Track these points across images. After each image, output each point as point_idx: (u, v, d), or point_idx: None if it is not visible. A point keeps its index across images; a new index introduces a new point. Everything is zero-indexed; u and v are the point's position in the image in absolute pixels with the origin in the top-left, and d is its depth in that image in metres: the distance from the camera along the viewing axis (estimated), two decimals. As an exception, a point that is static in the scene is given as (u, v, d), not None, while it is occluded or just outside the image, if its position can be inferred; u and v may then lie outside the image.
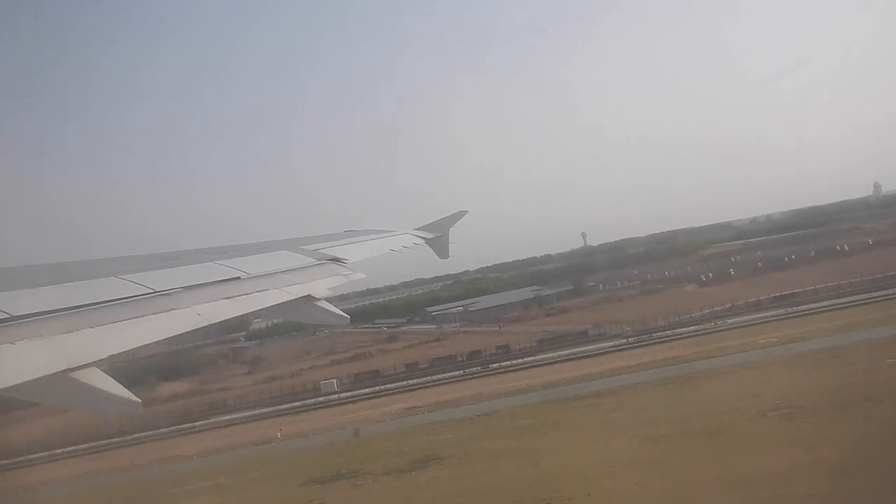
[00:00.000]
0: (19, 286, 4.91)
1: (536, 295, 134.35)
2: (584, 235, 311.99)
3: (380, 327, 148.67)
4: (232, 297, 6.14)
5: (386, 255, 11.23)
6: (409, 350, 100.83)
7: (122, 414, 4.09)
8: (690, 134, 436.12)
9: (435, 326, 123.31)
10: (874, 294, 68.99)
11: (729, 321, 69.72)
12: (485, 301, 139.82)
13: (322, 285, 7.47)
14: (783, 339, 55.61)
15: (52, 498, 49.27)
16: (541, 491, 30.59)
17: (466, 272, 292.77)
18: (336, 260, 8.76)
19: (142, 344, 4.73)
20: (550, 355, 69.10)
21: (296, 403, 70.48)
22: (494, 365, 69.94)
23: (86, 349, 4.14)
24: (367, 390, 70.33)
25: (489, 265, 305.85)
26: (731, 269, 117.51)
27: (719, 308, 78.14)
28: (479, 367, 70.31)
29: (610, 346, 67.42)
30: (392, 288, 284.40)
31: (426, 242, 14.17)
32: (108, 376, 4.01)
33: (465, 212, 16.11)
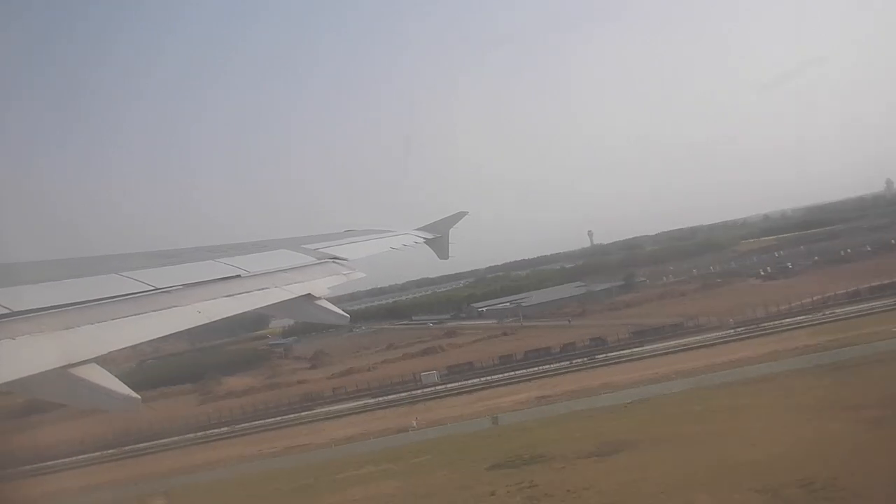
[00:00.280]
0: (20, 282, 4.94)
1: (588, 290, 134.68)
2: (590, 234, 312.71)
3: (424, 323, 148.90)
4: (232, 295, 6.20)
5: (388, 255, 11.45)
6: (480, 344, 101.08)
7: (121, 411, 4.14)
8: (690, 134, 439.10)
9: (495, 321, 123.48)
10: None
11: (837, 311, 70.07)
12: (535, 297, 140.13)
13: (322, 284, 7.52)
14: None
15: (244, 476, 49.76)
16: (783, 473, 30.55)
17: (475, 271, 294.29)
18: (336, 259, 8.82)
19: (142, 341, 4.76)
20: (658, 346, 69.36)
21: (402, 394, 70.58)
22: (600, 356, 70.16)
23: (86, 345, 4.17)
24: (470, 382, 70.49)
25: (498, 264, 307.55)
26: (789, 263, 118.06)
27: (808, 300, 78.35)
28: (585, 359, 70.48)
29: (718, 337, 67.67)
30: (403, 287, 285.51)
31: (426, 242, 14.36)
32: (107, 372, 4.04)
33: (465, 213, 16.29)
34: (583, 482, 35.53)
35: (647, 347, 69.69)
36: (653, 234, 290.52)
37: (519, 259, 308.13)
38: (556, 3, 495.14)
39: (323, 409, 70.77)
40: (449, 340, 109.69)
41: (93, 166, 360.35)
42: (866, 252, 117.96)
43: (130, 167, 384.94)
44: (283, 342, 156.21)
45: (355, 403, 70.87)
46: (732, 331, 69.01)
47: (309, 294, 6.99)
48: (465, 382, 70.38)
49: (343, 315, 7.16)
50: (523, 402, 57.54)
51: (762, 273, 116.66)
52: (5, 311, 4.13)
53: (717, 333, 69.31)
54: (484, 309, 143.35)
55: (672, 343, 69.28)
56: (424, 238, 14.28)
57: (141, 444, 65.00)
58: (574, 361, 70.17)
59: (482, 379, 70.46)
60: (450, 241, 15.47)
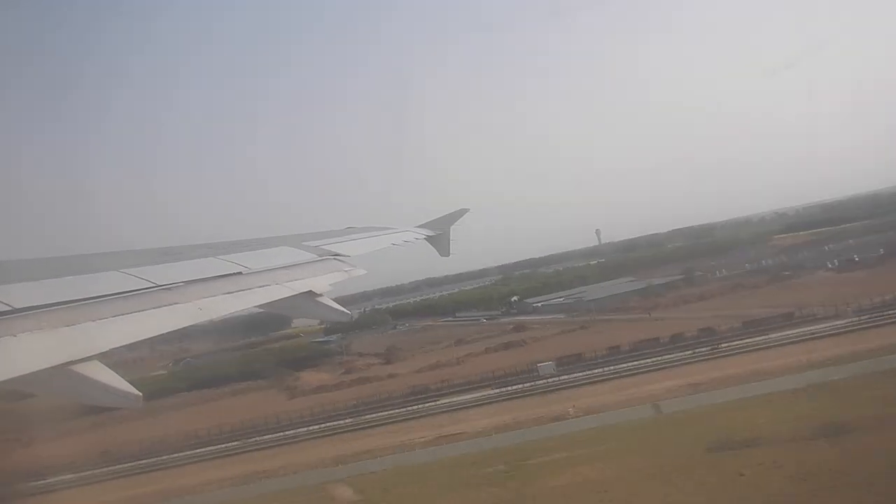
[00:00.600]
0: (21, 279, 4.97)
1: (648, 284, 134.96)
2: (598, 233, 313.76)
3: (478, 319, 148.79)
4: (233, 292, 6.26)
5: (396, 254, 11.69)
6: (561, 337, 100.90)
7: (122, 407, 4.32)
8: (689, 135, 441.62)
9: (561, 316, 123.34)
10: None
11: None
12: (589, 292, 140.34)
13: (323, 281, 7.58)
14: None
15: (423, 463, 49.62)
16: None
17: (485, 270, 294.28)
18: (337, 256, 8.89)
19: (143, 338, 4.81)
20: (779, 335, 69.35)
21: (525, 385, 70.41)
22: (724, 345, 70.20)
23: (87, 342, 4.22)
24: (592, 373, 70.36)
25: (510, 263, 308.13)
26: (855, 256, 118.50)
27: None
28: (708, 348, 70.52)
29: (846, 325, 67.61)
30: (415, 287, 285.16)
31: (427, 240, 14.49)
32: (108, 369, 4.07)
33: (467, 209, 16.38)
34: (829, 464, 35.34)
35: (772, 336, 69.64)
36: (664, 231, 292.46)
37: (527, 258, 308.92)
38: None
39: (444, 401, 70.35)
40: (521, 335, 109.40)
41: (93, 164, 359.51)
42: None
43: (131, 164, 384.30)
44: (327, 340, 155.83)
45: (474, 395, 70.53)
46: (857, 318, 69.10)
47: (310, 291, 7.02)
48: (590, 373, 70.23)
49: (345, 312, 7.21)
50: (674, 389, 57.38)
51: (830, 265, 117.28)
52: (6, 309, 4.14)
53: (842, 321, 69.27)
54: (539, 304, 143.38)
55: (795, 332, 69.26)
56: (425, 235, 14.39)
57: (289, 432, 65.57)
58: (697, 350, 70.18)
59: (604, 369, 70.37)
60: (454, 239, 15.54)
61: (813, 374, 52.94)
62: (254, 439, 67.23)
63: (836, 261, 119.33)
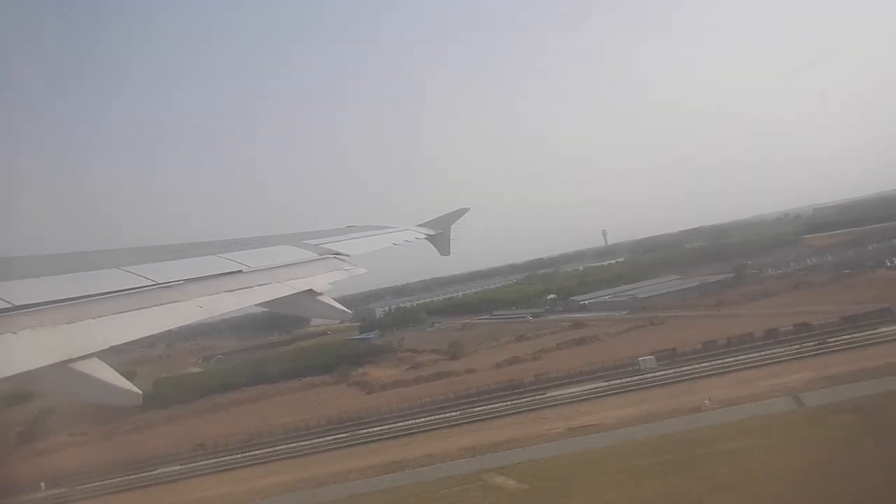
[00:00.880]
0: (22, 276, 4.97)
1: (701, 282, 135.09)
2: (604, 234, 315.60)
3: (524, 317, 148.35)
4: (234, 291, 6.28)
5: (391, 251, 11.55)
6: (632, 333, 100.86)
7: (122, 405, 4.18)
8: (691, 135, 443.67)
9: (615, 313, 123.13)
10: None
11: None
12: (643, 289, 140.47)
13: (323, 279, 7.60)
14: None
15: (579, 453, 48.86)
16: None
17: (495, 269, 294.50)
18: (337, 254, 8.91)
19: (143, 335, 4.80)
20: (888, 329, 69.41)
21: (632, 378, 70.14)
22: (832, 340, 70.08)
23: (87, 340, 4.21)
24: (697, 367, 70.03)
25: (520, 262, 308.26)
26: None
27: None
28: (814, 342, 70.40)
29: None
30: (427, 287, 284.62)
31: (427, 239, 14.49)
32: (109, 367, 4.06)
33: (467, 209, 16.37)
34: None
35: (881, 331, 69.59)
36: (674, 232, 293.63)
37: (533, 259, 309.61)
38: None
39: (551, 394, 69.93)
40: (583, 331, 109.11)
41: (94, 162, 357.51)
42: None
43: (132, 163, 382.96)
44: (366, 337, 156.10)
45: (580, 389, 70.11)
46: None
47: (310, 289, 7.03)
48: (696, 367, 69.94)
49: (345, 311, 7.18)
50: (810, 382, 57.08)
51: (889, 264, 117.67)
52: (7, 306, 4.15)
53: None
54: (586, 302, 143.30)
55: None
56: (426, 234, 14.38)
57: (399, 424, 65.03)
58: (804, 345, 70.01)
59: (711, 363, 70.05)
60: (454, 238, 15.49)
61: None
62: (365, 430, 66.50)
63: (894, 259, 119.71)
